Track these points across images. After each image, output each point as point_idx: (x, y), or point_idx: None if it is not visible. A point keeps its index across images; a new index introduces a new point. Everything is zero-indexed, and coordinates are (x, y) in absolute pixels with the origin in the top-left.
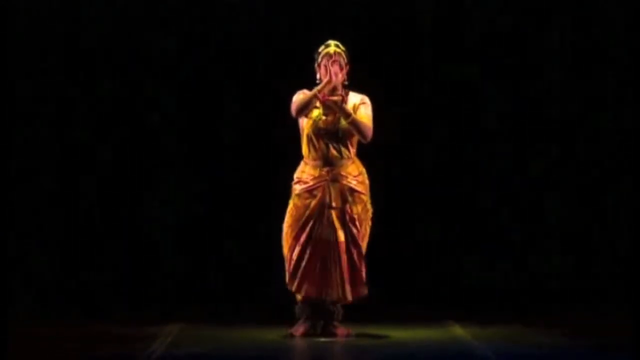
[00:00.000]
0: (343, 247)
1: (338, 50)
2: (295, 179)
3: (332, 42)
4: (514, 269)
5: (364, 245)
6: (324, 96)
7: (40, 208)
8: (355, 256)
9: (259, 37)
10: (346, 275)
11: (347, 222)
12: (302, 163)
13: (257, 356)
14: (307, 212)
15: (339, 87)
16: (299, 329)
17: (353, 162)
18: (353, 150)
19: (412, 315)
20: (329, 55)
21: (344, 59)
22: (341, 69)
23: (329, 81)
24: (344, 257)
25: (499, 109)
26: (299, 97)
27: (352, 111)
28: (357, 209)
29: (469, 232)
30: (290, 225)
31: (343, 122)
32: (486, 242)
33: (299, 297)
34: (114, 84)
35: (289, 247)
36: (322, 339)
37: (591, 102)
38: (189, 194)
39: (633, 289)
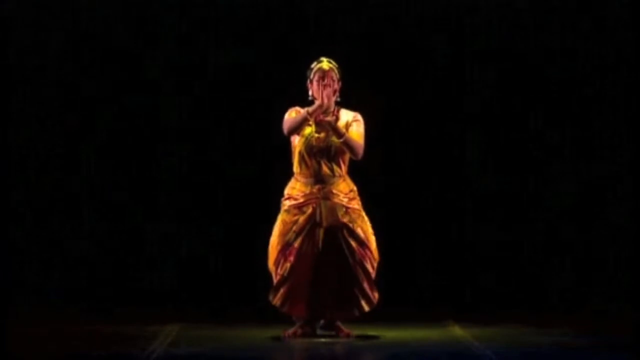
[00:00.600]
0: (333, 267)
1: (330, 66)
2: (286, 195)
3: (324, 59)
4: (515, 269)
5: (374, 258)
6: (317, 116)
7: (40, 205)
8: (347, 276)
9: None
10: (334, 296)
11: (346, 240)
12: (292, 180)
13: (256, 356)
14: (294, 228)
15: (332, 106)
16: (296, 331)
17: (344, 180)
18: (344, 168)
19: (411, 316)
20: (321, 71)
21: (336, 75)
22: (334, 90)
23: (321, 105)
24: (332, 277)
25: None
26: (291, 116)
27: (344, 131)
28: (359, 224)
29: (468, 232)
30: (277, 238)
31: (335, 140)
32: (484, 242)
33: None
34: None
35: (274, 260)
36: (323, 339)
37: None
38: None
39: (633, 289)
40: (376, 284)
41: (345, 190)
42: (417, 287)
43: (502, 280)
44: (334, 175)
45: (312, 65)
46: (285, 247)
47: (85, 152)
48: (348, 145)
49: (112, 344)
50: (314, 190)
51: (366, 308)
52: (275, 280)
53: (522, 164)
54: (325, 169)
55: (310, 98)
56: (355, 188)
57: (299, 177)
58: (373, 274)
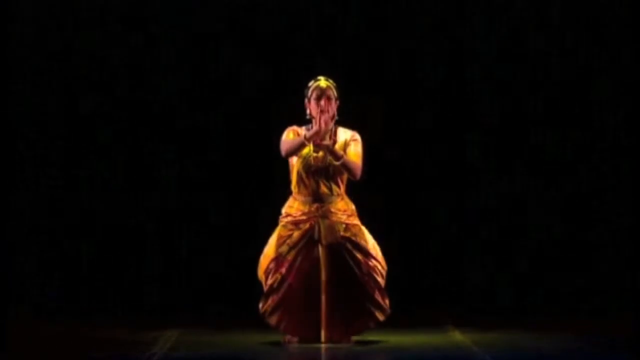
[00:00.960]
0: (341, 285)
1: (328, 84)
2: (284, 214)
3: (322, 77)
4: (513, 274)
5: (382, 267)
6: (314, 141)
7: (40, 210)
8: (357, 290)
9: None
10: (325, 318)
11: (351, 254)
12: (290, 199)
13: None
14: (288, 241)
15: (329, 130)
16: (293, 338)
17: (343, 199)
18: (343, 187)
19: (411, 321)
20: (319, 89)
21: (333, 93)
22: (332, 110)
23: (318, 132)
24: (342, 295)
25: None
26: (288, 138)
27: (342, 153)
28: (362, 237)
29: (469, 237)
30: (270, 249)
31: (333, 161)
32: (486, 247)
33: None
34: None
35: (265, 269)
36: (322, 345)
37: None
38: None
39: (634, 294)
40: (387, 291)
41: (343, 209)
42: (417, 292)
43: (503, 285)
44: (332, 194)
45: (310, 84)
46: (277, 259)
47: (85, 153)
48: (346, 167)
49: (111, 348)
50: (312, 209)
51: (380, 318)
52: (265, 289)
53: (522, 164)
54: (323, 188)
55: (308, 117)
56: (354, 207)
57: (297, 196)
58: (383, 282)
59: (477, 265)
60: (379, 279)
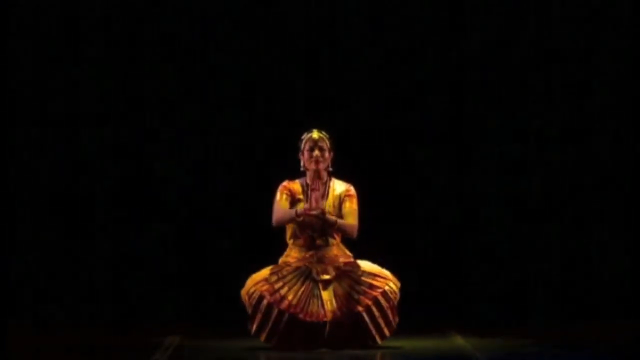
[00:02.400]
0: (346, 316)
1: (321, 135)
2: (280, 262)
3: (315, 130)
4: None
5: (395, 283)
6: (306, 213)
7: (40, 214)
8: (367, 313)
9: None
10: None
11: (356, 279)
12: (287, 249)
13: None
14: (279, 274)
15: (324, 177)
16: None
17: (338, 247)
18: (339, 238)
19: (412, 325)
20: (311, 140)
21: (326, 144)
22: (325, 163)
23: (309, 210)
24: (348, 324)
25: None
26: (280, 205)
27: (335, 219)
28: (361, 264)
29: (471, 241)
30: (258, 274)
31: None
32: (488, 251)
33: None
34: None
35: (247, 291)
36: (323, 349)
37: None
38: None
39: (634, 299)
40: (399, 308)
41: (340, 254)
42: (418, 297)
43: (504, 291)
44: (328, 245)
45: (303, 136)
46: (264, 282)
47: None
48: (341, 230)
49: (113, 354)
50: (307, 255)
51: (387, 334)
52: (249, 311)
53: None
54: (319, 241)
55: (302, 169)
56: (350, 254)
57: (292, 247)
58: (395, 300)
59: (479, 270)
60: (392, 296)
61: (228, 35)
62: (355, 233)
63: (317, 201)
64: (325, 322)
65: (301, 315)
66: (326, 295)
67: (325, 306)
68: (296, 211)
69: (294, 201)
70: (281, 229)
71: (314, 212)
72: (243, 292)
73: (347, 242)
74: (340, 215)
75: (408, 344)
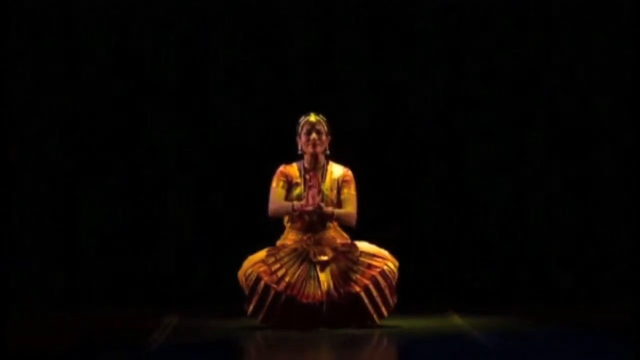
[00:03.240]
0: (343, 298)
1: (318, 118)
2: (278, 245)
3: (312, 113)
4: (514, 261)
5: (393, 263)
6: (302, 210)
7: (37, 201)
8: (364, 294)
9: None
10: (342, 315)
11: (353, 260)
12: (285, 232)
13: (256, 346)
14: (276, 255)
15: (321, 160)
16: None
17: (336, 230)
18: (336, 222)
19: (411, 305)
20: (308, 124)
21: (324, 127)
22: (322, 146)
23: (306, 206)
24: (345, 306)
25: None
26: (276, 195)
27: (332, 211)
28: (359, 245)
29: (467, 223)
30: (255, 256)
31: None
32: (485, 233)
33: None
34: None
35: (244, 272)
36: (321, 329)
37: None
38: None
39: (632, 281)
40: (397, 288)
41: (336, 236)
42: (417, 276)
43: (503, 271)
44: (325, 228)
45: (300, 120)
46: (261, 263)
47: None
48: (340, 219)
49: (110, 336)
50: (305, 237)
51: (385, 314)
52: (246, 292)
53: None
54: (316, 224)
55: (299, 152)
56: (347, 236)
57: (290, 230)
58: (394, 279)
59: (478, 250)
60: (390, 275)
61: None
62: (354, 221)
63: (313, 198)
64: (322, 303)
65: (298, 297)
66: (323, 276)
67: (322, 287)
68: (293, 206)
69: (290, 187)
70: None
71: (309, 208)
72: (240, 273)
73: (345, 226)
74: (339, 200)
75: (406, 323)
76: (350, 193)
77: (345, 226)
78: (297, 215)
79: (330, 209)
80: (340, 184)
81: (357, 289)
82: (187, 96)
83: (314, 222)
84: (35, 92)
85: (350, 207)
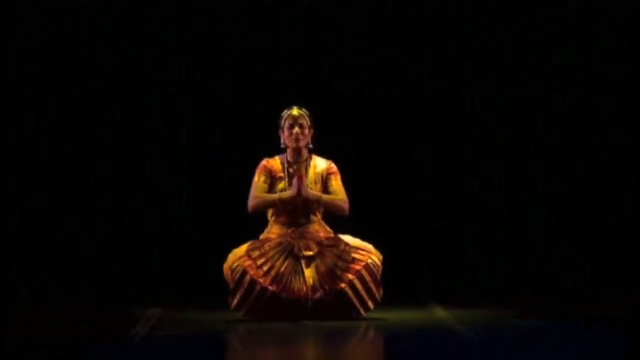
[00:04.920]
0: (330, 291)
1: (301, 112)
2: (262, 239)
3: (295, 107)
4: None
5: (377, 256)
6: (289, 196)
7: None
8: (350, 288)
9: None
10: (330, 307)
11: (339, 254)
12: (269, 225)
13: (239, 339)
14: (261, 249)
15: (305, 154)
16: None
17: (320, 225)
18: (320, 216)
19: (393, 297)
20: (292, 118)
21: (307, 121)
22: (305, 140)
23: (293, 196)
24: (331, 298)
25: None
26: (260, 182)
27: (319, 195)
28: (344, 239)
29: (456, 216)
30: (240, 249)
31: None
32: (472, 226)
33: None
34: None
35: (230, 265)
36: (305, 322)
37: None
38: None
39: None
40: (383, 280)
41: (320, 231)
42: (400, 269)
43: (485, 263)
44: (309, 222)
45: (283, 114)
46: (246, 257)
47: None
48: (329, 207)
49: (93, 327)
50: (289, 231)
51: (372, 307)
52: (231, 286)
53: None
54: (301, 218)
55: (282, 146)
56: (331, 231)
57: (274, 224)
58: (379, 273)
59: (463, 243)
60: (374, 269)
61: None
62: (346, 209)
63: (301, 185)
64: (307, 300)
65: (284, 293)
66: (309, 272)
67: (308, 283)
68: (281, 197)
69: (274, 182)
70: None
71: (288, 193)
72: (226, 266)
73: (329, 219)
74: (326, 193)
75: (391, 316)
76: (338, 184)
77: (330, 219)
78: (282, 207)
79: (317, 192)
80: (326, 177)
81: (343, 285)
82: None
83: (298, 210)
84: (34, 93)
85: (341, 196)
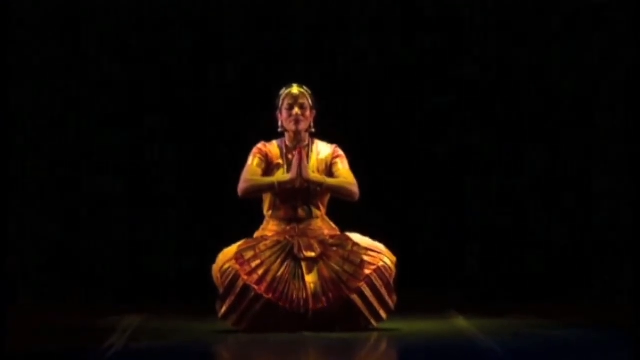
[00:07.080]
0: (335, 296)
1: (301, 90)
2: (256, 237)
3: (294, 84)
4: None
5: (390, 258)
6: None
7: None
8: (358, 294)
9: None
10: (335, 317)
11: (345, 256)
12: (264, 222)
13: (229, 352)
14: (255, 249)
15: (305, 139)
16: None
17: (323, 220)
18: (324, 210)
19: (411, 306)
20: (291, 97)
21: (308, 101)
22: (306, 122)
23: (293, 180)
24: (336, 305)
25: None
26: (248, 176)
27: (322, 178)
28: (353, 237)
29: (472, 221)
30: (231, 249)
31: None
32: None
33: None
34: None
35: (220, 268)
36: (305, 333)
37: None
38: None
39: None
40: (396, 285)
41: (324, 227)
42: (417, 276)
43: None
44: (311, 217)
45: (281, 92)
46: (236, 259)
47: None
48: (335, 190)
49: (66, 337)
50: (288, 228)
51: (384, 316)
52: (220, 291)
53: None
54: (300, 212)
55: (279, 129)
56: (335, 227)
57: (270, 220)
58: (391, 277)
59: (479, 251)
60: (386, 274)
61: None
62: (355, 192)
63: (305, 169)
64: (307, 310)
65: (281, 302)
66: (310, 277)
67: (308, 289)
68: (279, 181)
69: (270, 167)
70: (258, 198)
71: (287, 177)
72: (215, 268)
73: (334, 214)
74: None
75: (406, 325)
76: (345, 167)
77: (335, 214)
78: (280, 193)
79: (319, 176)
80: (330, 163)
81: (350, 293)
82: None
83: (298, 200)
84: (34, 92)
85: (349, 179)
